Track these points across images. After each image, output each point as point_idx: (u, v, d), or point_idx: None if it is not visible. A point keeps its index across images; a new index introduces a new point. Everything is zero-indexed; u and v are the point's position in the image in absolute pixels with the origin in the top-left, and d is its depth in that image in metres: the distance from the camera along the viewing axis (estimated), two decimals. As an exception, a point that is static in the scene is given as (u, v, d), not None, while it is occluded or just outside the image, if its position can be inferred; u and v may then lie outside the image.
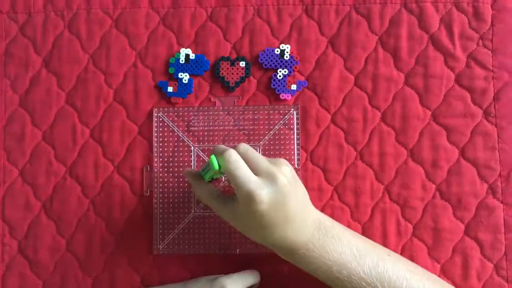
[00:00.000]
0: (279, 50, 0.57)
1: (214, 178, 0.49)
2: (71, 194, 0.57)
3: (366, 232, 0.54)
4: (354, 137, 0.56)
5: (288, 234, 0.45)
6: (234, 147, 0.45)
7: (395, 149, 0.55)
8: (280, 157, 0.55)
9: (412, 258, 0.53)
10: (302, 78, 0.57)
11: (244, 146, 0.46)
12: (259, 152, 0.56)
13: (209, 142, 0.56)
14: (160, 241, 0.55)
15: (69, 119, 0.57)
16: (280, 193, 0.43)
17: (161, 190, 0.56)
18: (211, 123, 0.56)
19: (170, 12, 0.58)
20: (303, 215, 0.46)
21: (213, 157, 0.45)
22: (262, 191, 0.43)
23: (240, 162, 0.44)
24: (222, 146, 0.46)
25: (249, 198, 0.42)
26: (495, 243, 0.53)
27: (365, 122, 0.56)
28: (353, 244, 0.46)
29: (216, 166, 0.45)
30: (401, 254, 0.54)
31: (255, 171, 0.44)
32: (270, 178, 0.43)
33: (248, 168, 0.44)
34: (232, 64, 0.57)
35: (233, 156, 0.44)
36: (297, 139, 0.56)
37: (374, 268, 0.45)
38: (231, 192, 0.51)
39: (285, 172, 0.45)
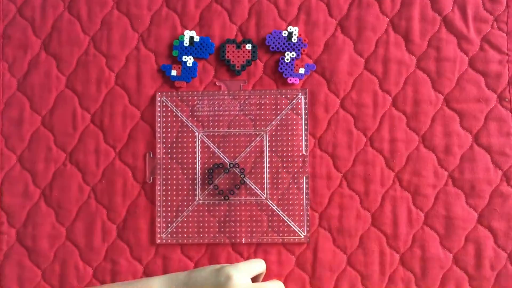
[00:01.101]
0: (286, 32, 0.55)
1: None
2: (71, 181, 0.55)
3: (376, 220, 0.53)
4: (364, 122, 0.54)
5: None
6: None
7: (406, 135, 0.54)
8: (288, 143, 0.54)
9: (423, 247, 0.52)
10: (311, 62, 0.55)
11: None
12: (266, 138, 0.54)
13: (214, 127, 0.55)
14: (163, 230, 0.54)
15: (69, 104, 0.56)
16: None
17: (164, 177, 0.54)
18: (216, 108, 0.55)
19: (174, -8, 0.56)
20: None
21: None
22: None
23: None
24: None
25: None
26: (509, 231, 0.52)
27: (375, 107, 0.54)
28: None
29: None
30: (412, 243, 0.52)
31: None
32: None
33: None
34: (238, 47, 0.55)
35: None
36: (305, 124, 0.54)
37: None
38: None
39: None
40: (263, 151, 0.54)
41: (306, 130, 0.54)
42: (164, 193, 0.54)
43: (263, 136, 0.54)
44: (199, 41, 0.55)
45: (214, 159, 0.54)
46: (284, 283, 0.52)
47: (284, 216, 0.53)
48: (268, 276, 0.52)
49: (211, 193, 0.54)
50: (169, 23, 0.56)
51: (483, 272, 0.51)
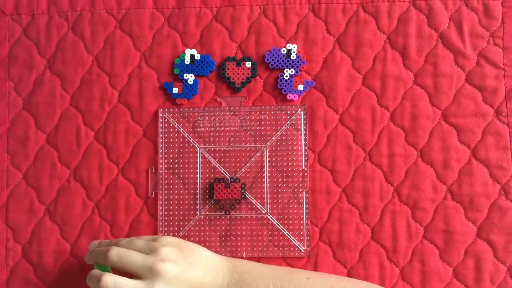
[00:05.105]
0: (285, 49, 0.56)
1: None
2: (76, 198, 0.56)
3: (375, 234, 0.53)
4: (363, 137, 0.55)
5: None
6: (106, 254, 0.44)
7: (405, 150, 0.54)
8: (287, 158, 0.55)
9: (423, 261, 0.52)
10: (309, 78, 0.56)
11: (114, 252, 0.44)
12: (266, 153, 0.55)
13: (215, 143, 0.55)
14: (166, 245, 0.54)
15: (73, 122, 0.57)
16: (169, 280, 0.43)
17: (166, 192, 0.55)
18: (217, 124, 0.56)
19: (175, 12, 0.58)
20: (210, 272, 0.46)
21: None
22: None
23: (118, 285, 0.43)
24: (96, 273, 0.44)
25: None
26: (508, 245, 0.52)
27: (373, 122, 0.55)
28: (269, 278, 0.46)
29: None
30: (412, 257, 0.53)
31: (135, 273, 0.44)
32: (151, 275, 0.43)
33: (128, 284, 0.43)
34: (238, 64, 0.56)
35: (108, 283, 0.43)
36: (305, 140, 0.55)
37: None
38: None
39: (165, 255, 0.44)
40: (263, 166, 0.55)
41: (305, 145, 0.55)
42: (166, 208, 0.55)
43: (263, 152, 0.55)
44: (199, 59, 0.56)
45: (215, 174, 0.55)
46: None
47: (284, 231, 0.54)
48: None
49: (212, 208, 0.55)
50: (171, 41, 0.57)
51: (483, 285, 0.52)
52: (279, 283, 0.46)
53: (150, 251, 0.45)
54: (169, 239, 0.47)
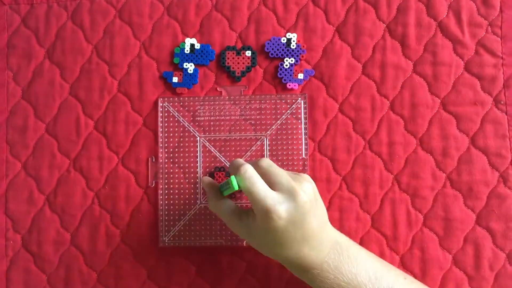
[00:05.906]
0: (285, 39, 0.56)
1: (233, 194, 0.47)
2: (75, 187, 0.56)
3: (375, 223, 0.53)
4: (362, 126, 0.55)
5: (304, 253, 0.44)
6: (257, 161, 0.45)
7: (404, 138, 0.54)
8: (288, 147, 0.55)
9: (423, 249, 0.53)
10: (309, 67, 0.56)
11: (266, 162, 0.45)
12: (267, 142, 0.55)
13: (215, 132, 0.55)
14: (166, 233, 0.54)
15: (73, 111, 0.57)
16: (299, 210, 0.42)
17: (166, 181, 0.55)
18: (217, 113, 0.56)
19: (175, 1, 0.57)
20: (321, 234, 0.44)
21: (233, 177, 0.44)
22: (280, 206, 0.42)
23: (255, 177, 0.43)
24: (239, 161, 0.45)
25: (266, 214, 0.41)
26: (507, 232, 0.52)
27: (373, 111, 0.55)
28: (369, 266, 0.45)
29: (236, 187, 0.43)
30: (412, 245, 0.53)
31: (276, 186, 0.43)
32: (290, 194, 0.42)
33: (264, 183, 0.43)
34: (238, 53, 0.56)
35: (248, 171, 0.43)
36: (305, 128, 0.55)
37: None
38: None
39: (307, 189, 0.43)
40: (263, 155, 0.55)
41: (305, 134, 0.55)
42: (166, 197, 0.55)
43: (264, 140, 0.55)
44: (199, 48, 0.56)
45: (216, 163, 0.55)
46: (286, 286, 0.53)
47: (285, 219, 0.54)
48: (269, 279, 0.53)
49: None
50: (170, 31, 0.57)
51: (482, 272, 0.52)
52: (378, 273, 0.45)
53: (294, 178, 0.44)
54: (310, 182, 0.45)
